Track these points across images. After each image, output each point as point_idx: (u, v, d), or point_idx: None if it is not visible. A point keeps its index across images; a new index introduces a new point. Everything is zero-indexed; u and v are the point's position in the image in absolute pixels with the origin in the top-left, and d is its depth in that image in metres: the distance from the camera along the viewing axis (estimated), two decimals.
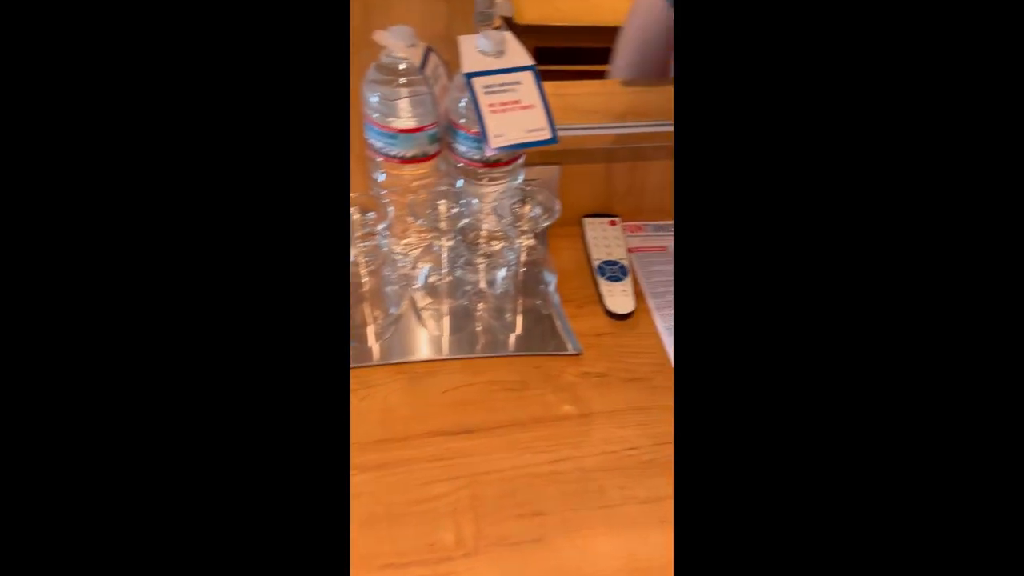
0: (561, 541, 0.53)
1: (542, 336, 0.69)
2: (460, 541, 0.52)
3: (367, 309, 0.67)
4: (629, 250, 0.78)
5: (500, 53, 0.57)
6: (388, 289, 0.69)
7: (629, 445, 0.60)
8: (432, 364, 0.66)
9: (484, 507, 0.55)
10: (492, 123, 0.55)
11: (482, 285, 0.69)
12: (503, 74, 0.57)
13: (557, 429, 0.61)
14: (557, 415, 0.62)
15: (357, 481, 0.56)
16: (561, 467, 0.58)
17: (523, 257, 0.65)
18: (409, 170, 0.62)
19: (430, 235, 0.62)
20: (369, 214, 0.60)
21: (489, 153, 0.56)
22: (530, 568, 0.51)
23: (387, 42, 0.57)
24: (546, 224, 0.60)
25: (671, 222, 0.84)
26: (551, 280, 0.66)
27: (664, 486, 0.57)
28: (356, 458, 0.58)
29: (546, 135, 0.56)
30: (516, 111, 0.56)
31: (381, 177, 0.64)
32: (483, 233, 0.68)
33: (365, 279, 0.65)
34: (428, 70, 0.59)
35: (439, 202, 0.62)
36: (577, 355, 0.67)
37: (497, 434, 0.60)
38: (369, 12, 0.63)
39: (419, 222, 0.61)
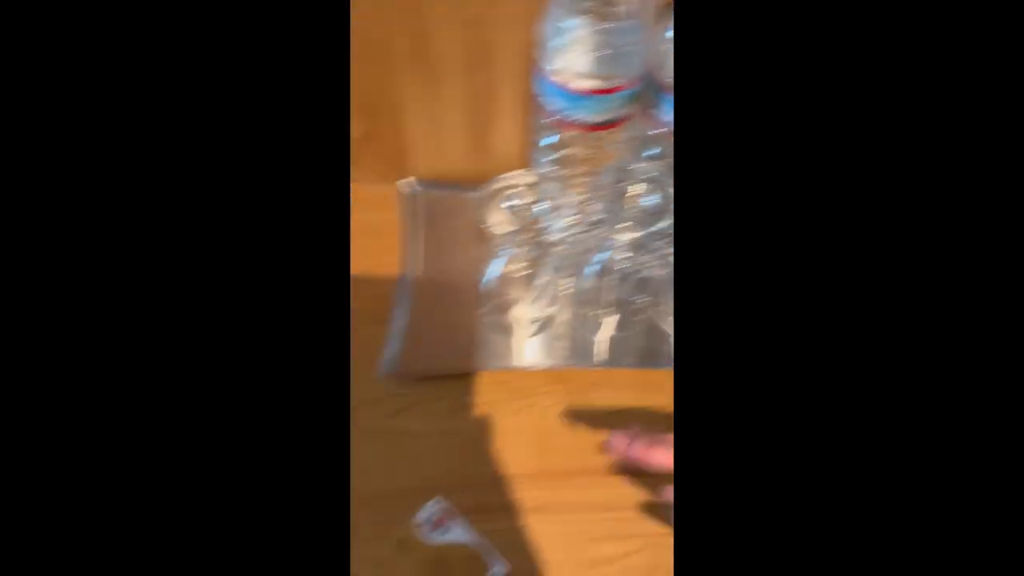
0: None
1: None
2: None
3: (517, 301, 0.55)
4: None
5: None
6: (539, 281, 0.56)
7: None
8: (596, 374, 0.54)
9: None
10: None
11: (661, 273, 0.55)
12: None
13: None
14: None
15: (507, 528, 0.47)
16: None
17: None
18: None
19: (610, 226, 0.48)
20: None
21: None
22: None
23: None
24: None
25: None
26: None
27: None
28: (510, 494, 0.48)
29: None
30: None
31: (550, 141, 0.49)
32: None
33: (519, 267, 0.52)
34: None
35: (623, 183, 0.47)
36: None
37: None
38: None
39: (599, 207, 0.47)
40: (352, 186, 0.51)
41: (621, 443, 0.33)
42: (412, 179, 0.62)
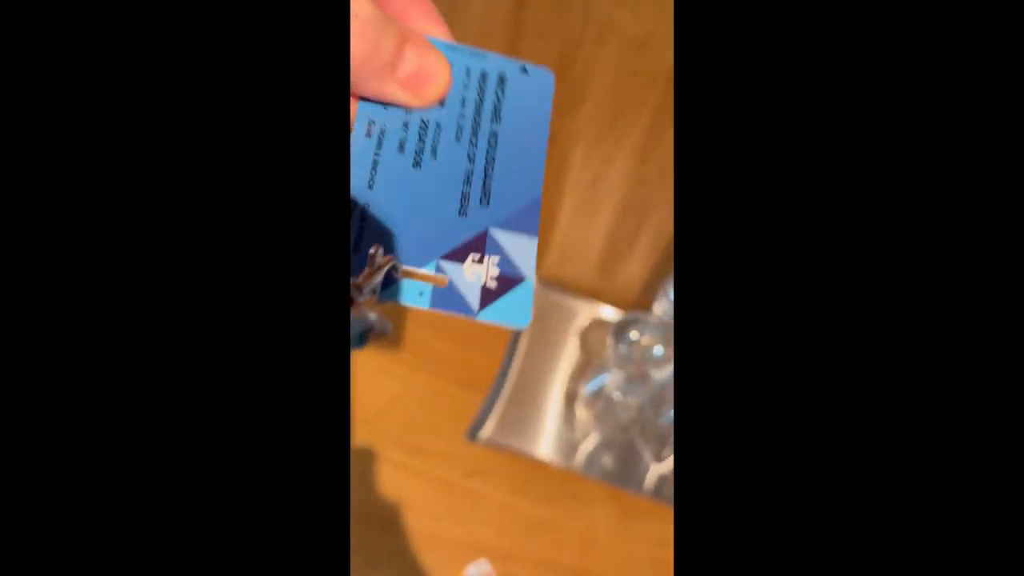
0: None
1: None
2: None
3: (583, 411, 0.61)
4: None
5: None
6: (617, 393, 0.61)
7: None
8: (653, 505, 0.59)
9: None
10: None
11: None
12: None
13: None
14: None
15: None
16: None
17: None
18: None
19: None
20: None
21: None
22: None
23: None
24: None
25: None
26: None
27: None
28: None
29: None
30: None
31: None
32: None
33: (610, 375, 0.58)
34: None
35: None
36: None
37: None
38: None
39: None
40: None
41: None
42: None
